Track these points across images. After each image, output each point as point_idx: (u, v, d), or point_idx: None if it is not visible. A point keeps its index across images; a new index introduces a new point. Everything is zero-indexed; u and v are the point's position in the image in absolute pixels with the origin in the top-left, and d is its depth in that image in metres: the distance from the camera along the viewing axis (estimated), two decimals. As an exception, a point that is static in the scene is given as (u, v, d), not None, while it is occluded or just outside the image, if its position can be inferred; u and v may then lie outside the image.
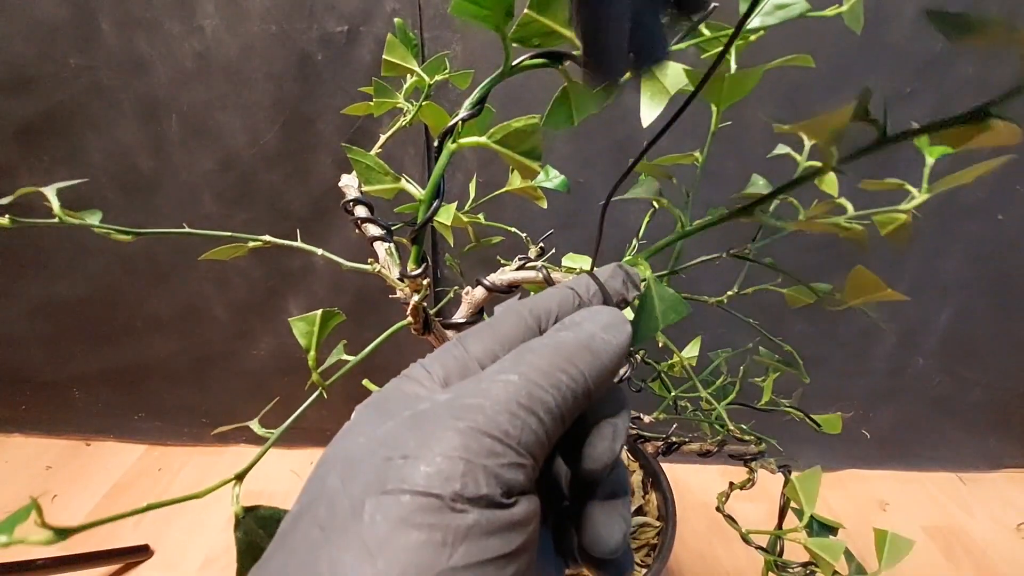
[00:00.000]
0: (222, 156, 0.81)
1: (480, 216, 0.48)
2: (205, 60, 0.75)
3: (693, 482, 0.94)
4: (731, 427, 0.42)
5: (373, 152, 0.42)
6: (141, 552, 0.81)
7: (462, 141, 0.26)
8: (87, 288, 0.91)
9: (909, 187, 0.30)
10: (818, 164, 0.18)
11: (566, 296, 0.23)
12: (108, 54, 0.75)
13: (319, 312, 0.28)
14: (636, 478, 0.75)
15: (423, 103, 0.37)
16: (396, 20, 0.38)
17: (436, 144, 0.27)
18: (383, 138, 0.44)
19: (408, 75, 0.40)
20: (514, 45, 0.23)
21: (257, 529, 0.24)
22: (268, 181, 0.82)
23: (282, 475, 0.97)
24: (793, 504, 0.37)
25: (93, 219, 0.30)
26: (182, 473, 0.97)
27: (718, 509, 0.42)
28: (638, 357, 0.49)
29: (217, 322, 0.93)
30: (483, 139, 0.25)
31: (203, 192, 0.83)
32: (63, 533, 0.18)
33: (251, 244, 0.37)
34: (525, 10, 0.22)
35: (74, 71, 0.76)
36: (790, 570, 0.36)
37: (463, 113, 0.26)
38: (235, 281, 0.90)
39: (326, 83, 0.76)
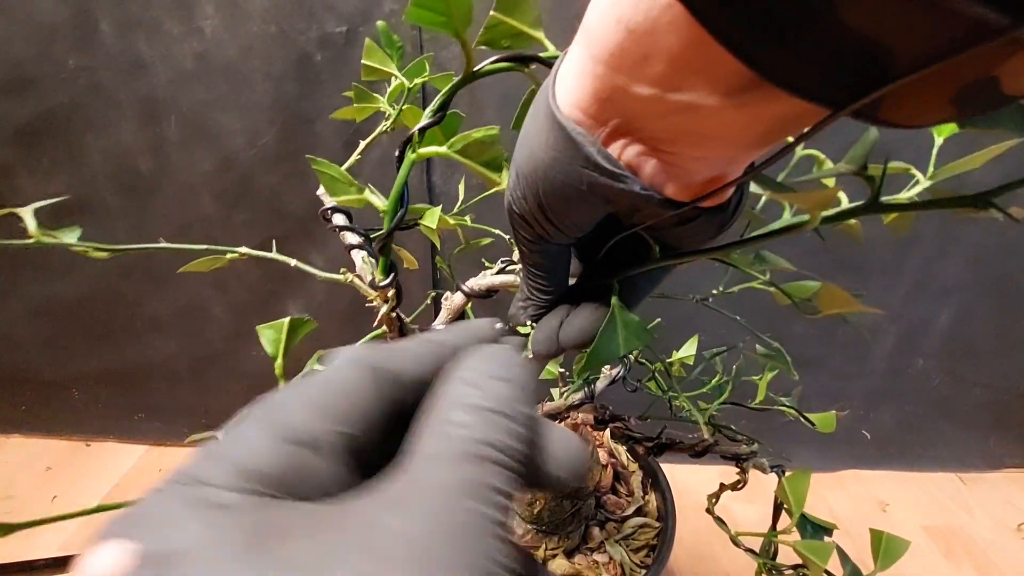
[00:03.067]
0: (221, 157, 0.81)
1: (467, 218, 0.48)
2: (204, 61, 0.75)
3: (692, 482, 0.93)
4: (704, 431, 0.42)
5: (353, 158, 0.42)
6: (141, 553, 0.81)
7: (421, 151, 0.25)
8: (87, 289, 0.92)
9: (915, 171, 0.30)
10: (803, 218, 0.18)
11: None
12: (107, 55, 0.75)
13: (287, 320, 0.27)
14: (635, 479, 0.75)
15: (403, 107, 0.37)
16: (379, 23, 0.38)
17: (397, 154, 0.26)
18: (363, 144, 0.44)
19: (391, 78, 0.40)
20: (483, 48, 0.23)
21: None
22: (267, 182, 0.82)
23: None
24: (787, 505, 0.37)
25: (70, 237, 0.29)
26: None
27: (708, 511, 0.42)
28: (631, 357, 0.49)
29: (216, 323, 0.93)
30: (443, 149, 0.24)
31: (202, 193, 0.83)
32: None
33: (229, 256, 0.37)
34: (492, 12, 0.22)
35: (73, 72, 0.76)
36: (782, 573, 0.36)
37: (423, 122, 0.25)
38: (234, 282, 0.90)
39: (325, 84, 0.76)
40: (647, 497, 0.72)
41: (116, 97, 0.78)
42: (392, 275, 0.30)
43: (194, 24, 0.74)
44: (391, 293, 0.30)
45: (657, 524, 0.69)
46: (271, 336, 0.27)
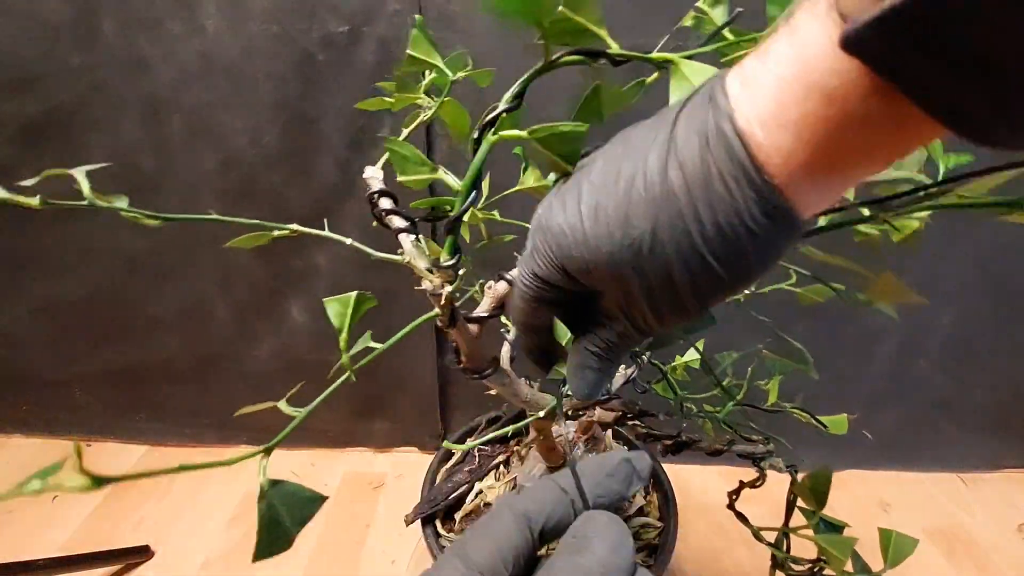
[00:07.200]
0: (224, 156, 0.81)
1: (495, 213, 0.48)
2: (207, 60, 0.75)
3: (694, 483, 0.94)
4: (738, 429, 0.42)
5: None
6: (142, 553, 0.80)
7: (504, 134, 0.26)
8: (89, 288, 0.91)
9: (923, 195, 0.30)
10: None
11: (559, 498, 0.26)
12: (110, 54, 0.75)
13: (354, 294, 0.28)
14: (638, 479, 0.75)
15: (444, 99, 0.37)
16: (417, 16, 0.38)
17: (475, 136, 0.27)
18: (406, 132, 0.44)
19: (427, 71, 0.40)
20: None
21: (279, 506, 0.24)
22: (270, 181, 0.82)
23: (283, 476, 0.95)
24: (800, 503, 0.37)
25: (121, 203, 0.31)
26: (183, 473, 0.97)
27: (729, 506, 0.42)
28: (644, 358, 0.49)
29: (219, 323, 0.93)
30: (523, 133, 0.25)
31: (205, 192, 0.83)
32: (100, 481, 0.18)
33: (276, 233, 0.38)
34: (559, 8, 0.23)
35: (76, 71, 0.76)
36: (798, 567, 0.36)
37: (503, 106, 0.26)
38: (237, 282, 0.90)
39: (328, 83, 0.76)
40: (649, 497, 0.72)
41: (119, 96, 0.78)
42: (457, 256, 0.30)
43: (196, 23, 0.74)
44: (461, 272, 0.31)
45: (659, 524, 0.68)
46: (337, 310, 0.28)
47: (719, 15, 0.32)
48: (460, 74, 0.39)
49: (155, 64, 0.76)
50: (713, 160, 0.19)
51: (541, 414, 0.44)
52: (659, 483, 0.72)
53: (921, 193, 0.23)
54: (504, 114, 0.26)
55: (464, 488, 0.71)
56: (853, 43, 0.16)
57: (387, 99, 0.43)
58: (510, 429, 0.47)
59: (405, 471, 0.99)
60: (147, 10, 0.73)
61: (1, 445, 1.02)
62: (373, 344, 0.30)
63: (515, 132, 0.25)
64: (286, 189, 0.82)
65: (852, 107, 0.17)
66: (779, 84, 0.18)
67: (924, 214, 0.29)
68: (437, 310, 0.31)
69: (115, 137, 0.80)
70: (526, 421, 0.47)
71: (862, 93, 0.17)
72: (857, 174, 0.19)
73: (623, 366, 0.50)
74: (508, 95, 0.26)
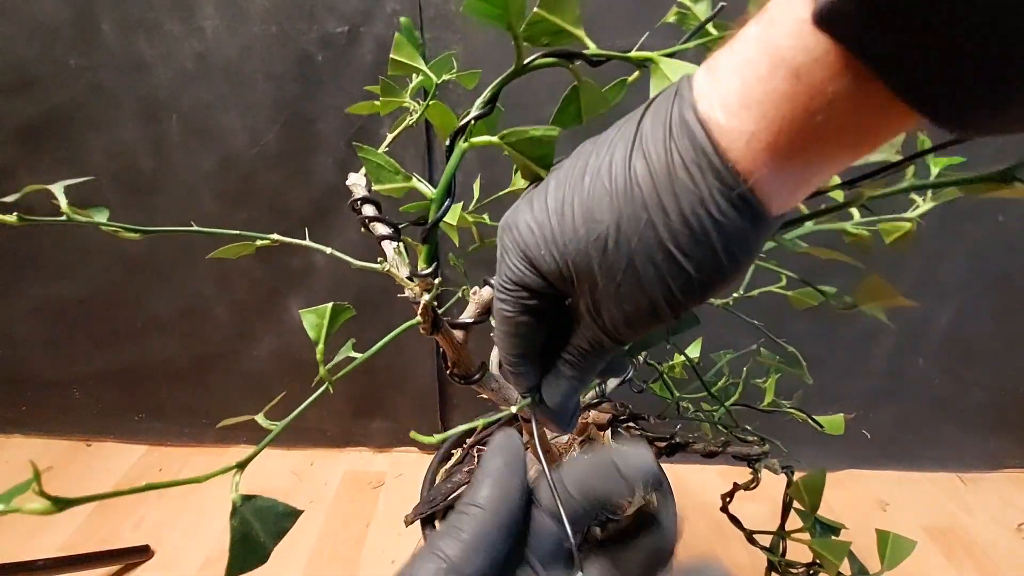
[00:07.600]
0: (222, 156, 0.81)
1: (485, 216, 0.48)
2: (205, 61, 0.75)
3: (693, 482, 0.94)
4: (733, 430, 0.42)
5: (382, 150, 0.42)
6: (141, 553, 0.80)
7: (474, 140, 0.25)
8: (88, 289, 0.91)
9: (914, 196, 0.30)
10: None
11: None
12: (109, 55, 0.75)
13: (329, 305, 0.27)
14: (637, 479, 0.75)
15: (430, 102, 0.37)
16: (403, 19, 0.38)
17: (447, 144, 0.26)
18: (390, 137, 0.44)
19: (414, 74, 0.39)
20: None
21: (252, 520, 0.24)
22: (268, 181, 0.82)
23: (282, 475, 0.97)
24: (796, 505, 0.37)
25: (100, 217, 0.30)
26: (182, 473, 0.97)
27: (723, 510, 0.42)
28: (640, 358, 0.49)
29: (218, 322, 0.93)
30: (495, 139, 0.24)
31: (203, 192, 0.83)
32: (61, 503, 0.18)
33: (259, 243, 0.37)
34: (535, 9, 0.22)
35: (75, 72, 0.76)
36: (793, 571, 0.36)
37: (475, 112, 0.25)
38: (236, 281, 0.90)
39: (326, 84, 0.76)
40: (648, 497, 0.72)
41: (117, 97, 0.78)
42: (435, 264, 0.30)
43: (195, 24, 0.74)
44: (437, 281, 0.30)
45: (659, 524, 0.68)
46: (313, 321, 0.27)
47: (702, 10, 0.32)
48: (445, 76, 0.39)
49: (154, 65, 0.76)
50: (676, 149, 0.19)
51: (514, 409, 0.44)
52: (659, 483, 0.72)
53: (897, 172, 0.23)
54: (476, 121, 0.25)
55: (463, 488, 0.71)
56: (826, 18, 0.15)
57: (377, 103, 0.42)
58: (480, 423, 0.46)
59: (405, 471, 0.99)
60: (146, 11, 0.73)
61: (1, 445, 1.02)
62: (354, 354, 0.29)
63: (485, 138, 0.25)
64: (285, 189, 0.82)
65: (819, 86, 0.16)
66: (743, 64, 0.18)
67: (915, 214, 0.29)
68: (419, 318, 0.31)
69: (114, 138, 0.80)
70: (495, 419, 0.47)
71: (831, 72, 0.16)
72: (826, 163, 0.18)
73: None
74: (479, 101, 0.25)
